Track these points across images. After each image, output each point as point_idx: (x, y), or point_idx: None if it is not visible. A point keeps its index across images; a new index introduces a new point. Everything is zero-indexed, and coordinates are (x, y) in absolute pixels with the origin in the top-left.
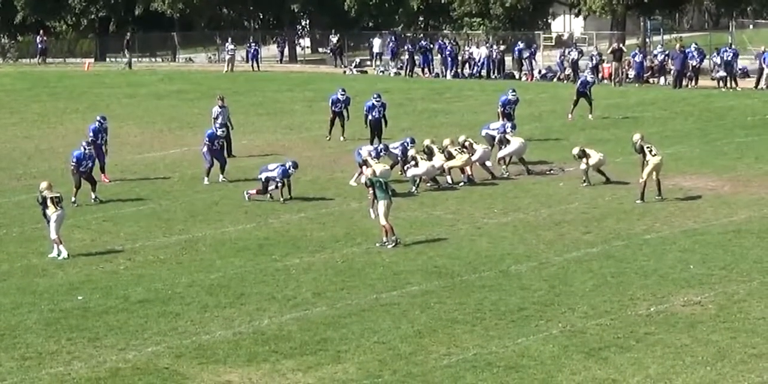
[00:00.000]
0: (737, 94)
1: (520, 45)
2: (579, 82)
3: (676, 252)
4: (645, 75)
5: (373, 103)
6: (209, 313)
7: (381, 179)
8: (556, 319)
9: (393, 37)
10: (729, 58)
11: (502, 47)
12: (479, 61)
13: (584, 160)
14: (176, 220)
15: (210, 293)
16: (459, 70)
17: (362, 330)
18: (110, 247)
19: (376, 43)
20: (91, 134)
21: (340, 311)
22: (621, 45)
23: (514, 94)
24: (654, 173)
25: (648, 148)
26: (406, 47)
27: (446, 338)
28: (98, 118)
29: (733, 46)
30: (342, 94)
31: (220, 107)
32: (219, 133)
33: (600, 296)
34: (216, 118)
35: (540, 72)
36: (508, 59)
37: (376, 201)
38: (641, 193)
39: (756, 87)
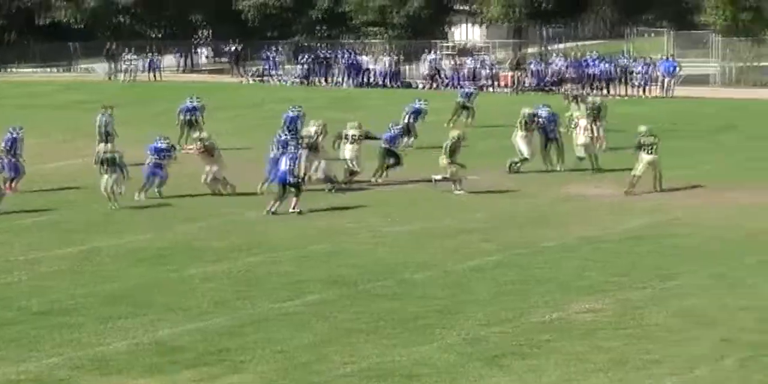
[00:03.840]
0: (635, 101)
1: (433, 54)
2: (460, 93)
3: (575, 259)
4: (544, 83)
5: (291, 115)
6: (108, 324)
7: None
8: (456, 327)
9: (293, 47)
10: (626, 66)
11: (399, 57)
12: (379, 70)
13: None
14: (75, 230)
15: (109, 304)
16: (359, 79)
17: (262, 340)
18: (8, 258)
19: (276, 52)
20: (5, 144)
21: (240, 321)
22: (521, 54)
23: (425, 103)
24: (651, 169)
25: (647, 145)
26: (306, 56)
27: (346, 347)
28: (11, 128)
29: (630, 54)
30: (191, 102)
31: (102, 115)
32: (163, 145)
33: (499, 304)
34: (103, 127)
35: (443, 81)
36: (407, 68)
37: None
38: (630, 184)
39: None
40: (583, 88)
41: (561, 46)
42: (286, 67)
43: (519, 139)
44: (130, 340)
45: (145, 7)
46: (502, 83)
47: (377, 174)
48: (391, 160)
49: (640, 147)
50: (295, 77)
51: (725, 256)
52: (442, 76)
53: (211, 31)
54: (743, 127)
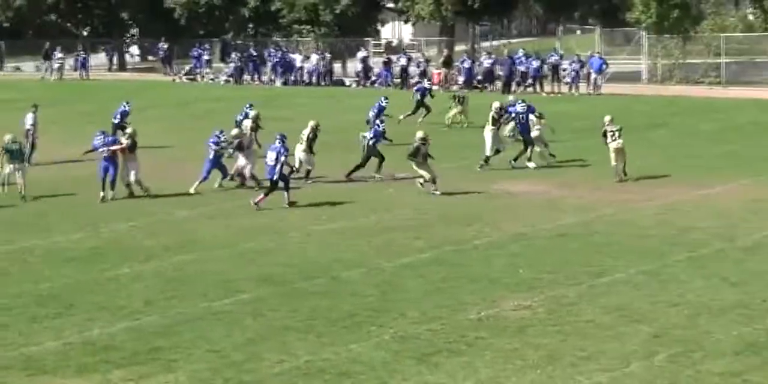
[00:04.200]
0: (565, 99)
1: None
2: (415, 89)
3: (506, 257)
4: (474, 81)
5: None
6: (38, 324)
7: None
8: (388, 324)
9: (223, 45)
10: (556, 64)
11: (328, 56)
12: (309, 68)
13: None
14: (3, 230)
15: (39, 304)
16: (289, 78)
17: (194, 339)
18: None
19: (205, 51)
20: None
21: (172, 320)
22: (449, 51)
23: (387, 101)
24: (618, 157)
25: (611, 133)
26: (236, 55)
27: (278, 346)
28: None
29: (559, 51)
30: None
31: (32, 113)
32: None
33: (431, 301)
34: (33, 125)
35: (371, 79)
36: (338, 66)
37: None
38: (616, 174)
39: (587, 92)
40: (508, 86)
41: (491, 43)
42: (217, 65)
43: (486, 133)
44: (60, 340)
45: (74, 6)
46: (435, 81)
47: (378, 169)
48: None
49: (605, 135)
50: (226, 76)
51: (656, 252)
52: (373, 74)
53: (139, 29)
54: (673, 123)
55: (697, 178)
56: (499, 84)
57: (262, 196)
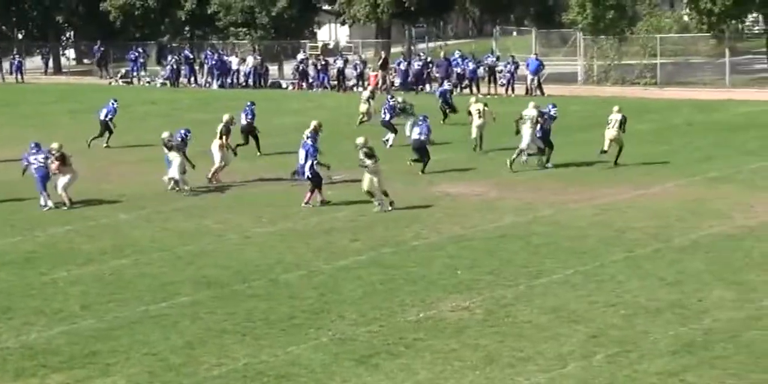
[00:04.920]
0: (502, 100)
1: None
2: (438, 92)
3: (444, 258)
4: (410, 82)
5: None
6: None
7: None
8: (326, 327)
9: (159, 48)
10: (492, 65)
11: (258, 58)
12: (245, 71)
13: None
14: None
15: None
16: (226, 80)
17: (132, 342)
18: None
19: (140, 54)
20: None
21: (109, 324)
22: (386, 54)
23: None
24: (612, 143)
25: (609, 122)
26: (172, 57)
27: (217, 348)
28: None
29: (496, 53)
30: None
31: None
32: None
33: (369, 303)
34: None
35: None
36: (275, 69)
37: None
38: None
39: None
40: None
41: (428, 45)
42: (153, 68)
43: (525, 131)
44: None
45: (8, 9)
46: (371, 82)
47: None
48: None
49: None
50: (162, 78)
51: (593, 253)
52: (311, 77)
53: (74, 32)
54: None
55: (633, 179)
56: (434, 85)
57: (308, 194)
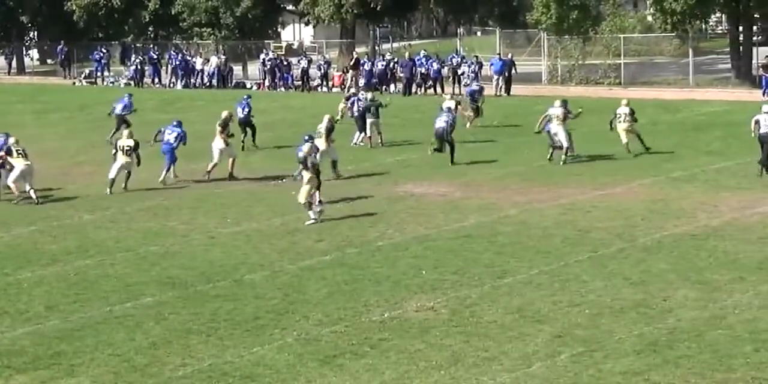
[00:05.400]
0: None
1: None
2: (467, 92)
3: (409, 258)
4: (374, 82)
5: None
6: None
7: None
8: (291, 327)
9: (123, 48)
10: (457, 65)
11: (223, 58)
12: (209, 71)
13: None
14: None
15: None
16: (189, 80)
17: (96, 343)
18: None
19: (104, 54)
20: None
21: (74, 324)
22: (357, 54)
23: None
24: (629, 134)
25: (618, 115)
26: (136, 58)
27: (181, 349)
28: None
29: (460, 53)
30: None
31: None
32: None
33: (334, 304)
34: None
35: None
36: (239, 69)
37: None
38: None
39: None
40: (409, 87)
41: (392, 45)
42: (117, 68)
43: (558, 129)
44: None
45: None
46: (337, 83)
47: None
48: None
49: (615, 117)
50: (126, 79)
51: (557, 252)
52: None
53: (37, 32)
54: (573, 124)
55: (598, 179)
56: (399, 85)
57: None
